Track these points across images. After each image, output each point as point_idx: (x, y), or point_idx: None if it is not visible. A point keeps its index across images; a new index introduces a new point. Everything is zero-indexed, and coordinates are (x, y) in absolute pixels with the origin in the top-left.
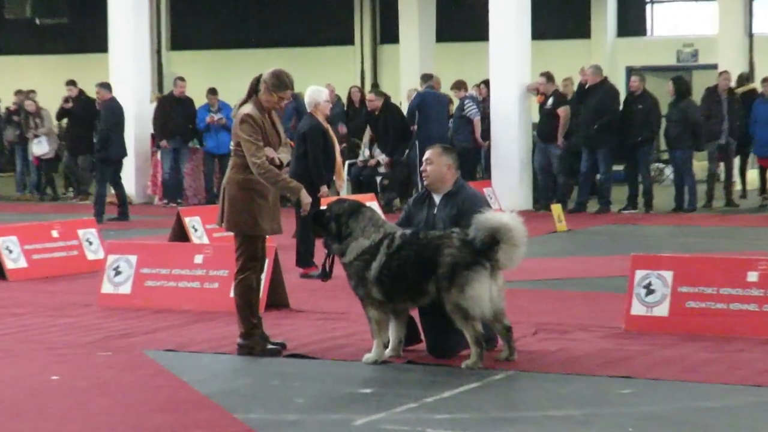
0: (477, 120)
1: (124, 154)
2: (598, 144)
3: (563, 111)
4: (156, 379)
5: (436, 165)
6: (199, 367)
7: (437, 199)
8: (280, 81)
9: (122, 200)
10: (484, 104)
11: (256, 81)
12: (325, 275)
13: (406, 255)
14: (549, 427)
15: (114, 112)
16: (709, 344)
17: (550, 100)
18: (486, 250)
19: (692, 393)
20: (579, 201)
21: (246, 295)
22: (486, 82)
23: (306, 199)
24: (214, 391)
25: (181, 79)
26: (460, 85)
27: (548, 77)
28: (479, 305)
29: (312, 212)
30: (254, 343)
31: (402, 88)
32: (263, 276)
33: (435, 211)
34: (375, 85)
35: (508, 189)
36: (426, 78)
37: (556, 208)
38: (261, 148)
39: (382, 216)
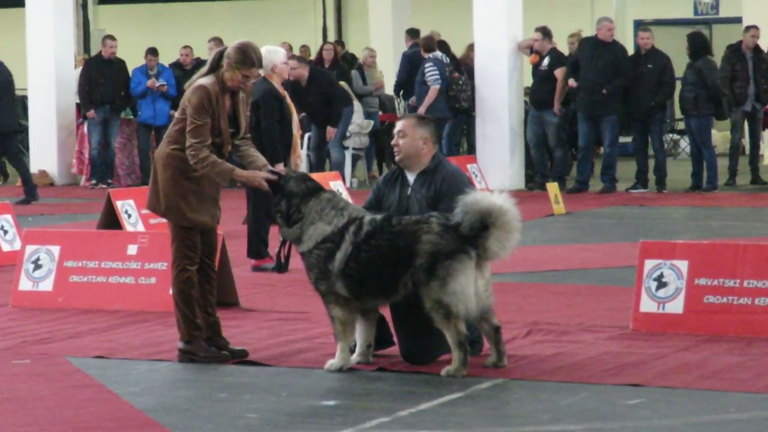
0: (434, 89)
1: (14, 125)
2: (606, 111)
3: (561, 72)
4: (82, 391)
5: (410, 138)
6: (133, 377)
7: (411, 178)
8: (245, 56)
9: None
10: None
11: (219, 56)
12: (281, 267)
13: (376, 244)
14: None
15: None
16: (732, 346)
17: (546, 60)
18: (473, 238)
19: (712, 403)
20: (580, 179)
21: (185, 291)
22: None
23: (244, 175)
24: (152, 405)
25: (111, 37)
26: (430, 46)
27: (544, 33)
28: (463, 302)
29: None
30: (197, 348)
31: (372, 46)
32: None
33: (409, 192)
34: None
35: (496, 165)
36: (413, 34)
37: (553, 188)
38: (205, 128)
39: (347, 198)
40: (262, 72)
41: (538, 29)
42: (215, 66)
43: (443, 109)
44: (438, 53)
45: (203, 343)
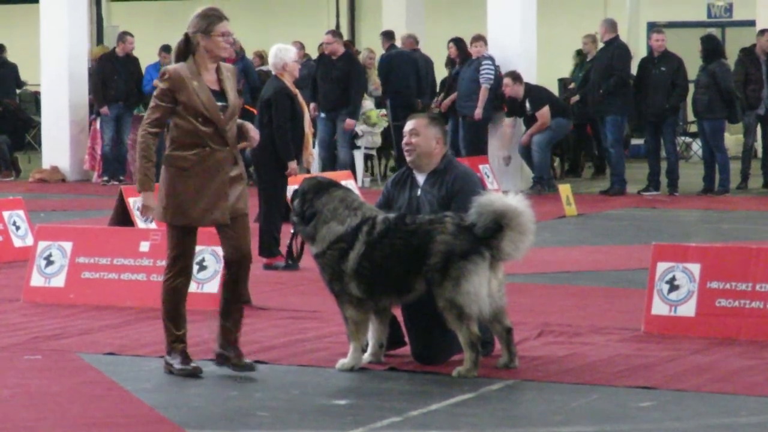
0: (485, 88)
1: None
2: (604, 111)
3: (542, 116)
4: (93, 387)
5: (423, 137)
6: (144, 373)
7: (421, 179)
8: (208, 16)
9: None
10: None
11: (184, 41)
12: (293, 262)
13: (390, 243)
14: None
15: None
16: (744, 350)
17: (528, 104)
18: (487, 238)
19: (724, 406)
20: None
21: (168, 301)
22: (456, 41)
23: (147, 202)
24: (163, 402)
25: (129, 34)
26: (478, 40)
27: (513, 77)
28: (476, 302)
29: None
30: (173, 359)
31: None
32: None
33: (419, 192)
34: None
35: (508, 166)
36: (389, 36)
37: (565, 189)
38: (156, 111)
39: (360, 197)
40: (273, 70)
41: (507, 74)
42: (183, 53)
43: (487, 108)
44: (488, 51)
45: (179, 356)
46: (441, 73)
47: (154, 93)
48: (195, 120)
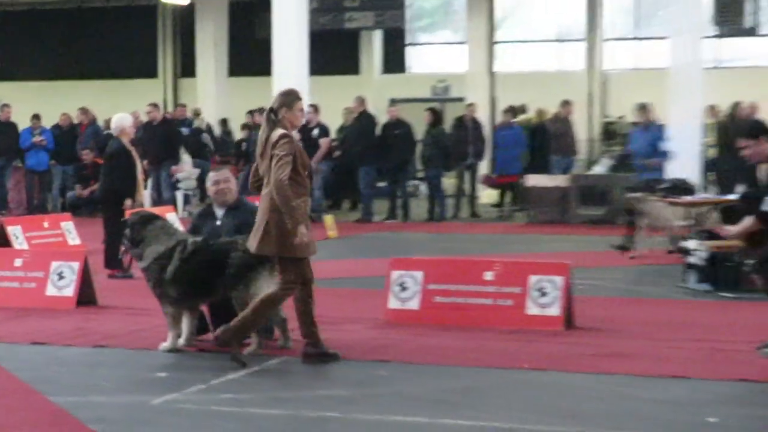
0: (325, 141)
1: None
2: (360, 163)
3: (326, 142)
4: None
5: (232, 184)
6: (18, 356)
7: (220, 212)
8: (291, 95)
9: None
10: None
11: (271, 113)
12: (126, 272)
13: (198, 259)
14: (319, 405)
15: None
16: (457, 333)
17: (316, 131)
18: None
19: (442, 375)
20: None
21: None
22: (260, 111)
23: (301, 231)
24: (32, 377)
25: (7, 105)
26: (256, 111)
27: (315, 109)
28: None
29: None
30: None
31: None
32: None
33: (218, 222)
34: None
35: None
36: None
37: (329, 219)
38: (288, 166)
39: (175, 225)
40: (114, 133)
41: (311, 105)
42: (274, 122)
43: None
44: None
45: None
46: (239, 135)
47: (284, 152)
48: (303, 173)
